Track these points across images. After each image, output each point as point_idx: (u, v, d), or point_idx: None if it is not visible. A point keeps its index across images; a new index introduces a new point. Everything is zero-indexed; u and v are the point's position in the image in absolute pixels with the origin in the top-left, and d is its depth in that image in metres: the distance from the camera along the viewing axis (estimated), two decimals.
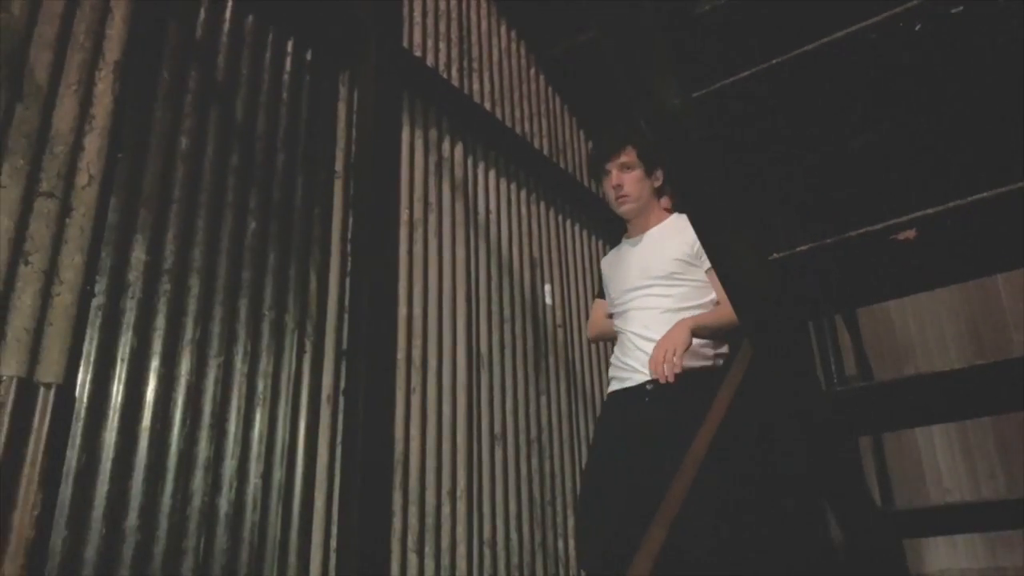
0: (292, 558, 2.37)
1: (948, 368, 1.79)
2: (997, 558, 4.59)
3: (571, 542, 3.69)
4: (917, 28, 1.35)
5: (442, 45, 3.83)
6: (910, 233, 1.57)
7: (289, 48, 2.96)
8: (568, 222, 4.59)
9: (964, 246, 1.63)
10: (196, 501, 2.18)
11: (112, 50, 2.29)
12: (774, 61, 1.53)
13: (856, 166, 1.86)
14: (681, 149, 1.62)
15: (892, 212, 1.64)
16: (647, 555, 1.26)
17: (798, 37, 1.52)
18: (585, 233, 4.73)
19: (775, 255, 1.73)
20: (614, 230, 4.99)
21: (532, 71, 4.66)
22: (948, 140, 1.75)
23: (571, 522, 3.74)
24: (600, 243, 4.84)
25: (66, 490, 1.92)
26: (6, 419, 1.82)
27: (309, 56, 3.04)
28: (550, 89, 4.80)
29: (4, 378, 1.84)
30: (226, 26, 2.70)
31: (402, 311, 3.11)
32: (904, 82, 1.56)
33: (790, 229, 2.10)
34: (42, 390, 1.92)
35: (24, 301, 1.93)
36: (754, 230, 1.74)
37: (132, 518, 2.03)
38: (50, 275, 2.00)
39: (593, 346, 4.42)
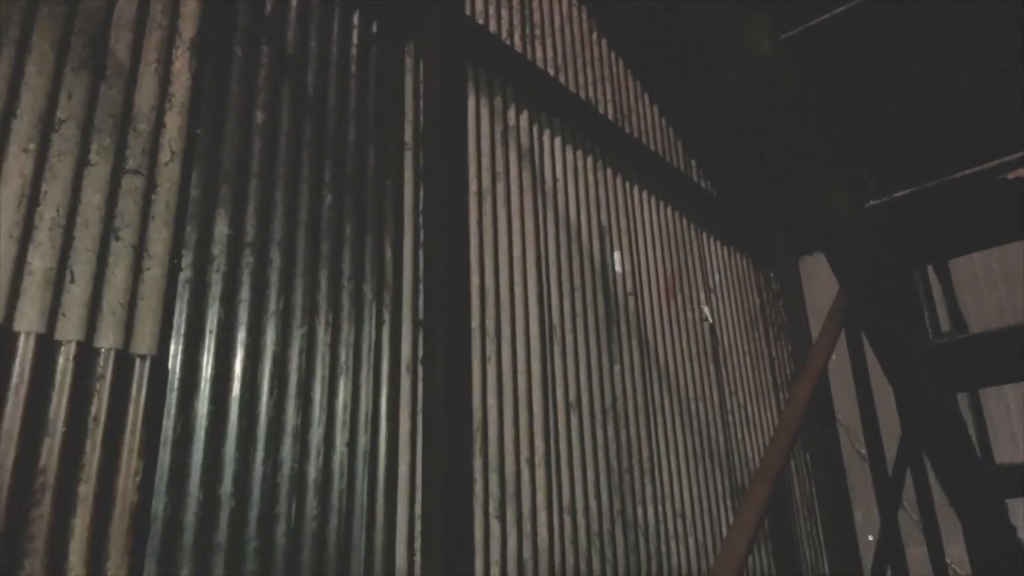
0: (379, 523, 2.40)
1: None
2: None
3: (649, 509, 3.67)
4: None
5: (504, 12, 3.79)
6: (1022, 171, 1.48)
7: (355, 21, 2.96)
8: (636, 188, 4.52)
9: None
10: (286, 468, 2.22)
11: (187, 28, 2.33)
12: None
13: (958, 107, 1.77)
14: (772, 93, 1.55)
15: (992, 155, 1.55)
16: (752, 509, 1.23)
17: None
18: (653, 199, 4.65)
19: (872, 202, 1.66)
20: (683, 195, 4.90)
21: (594, 35, 4.58)
22: None
23: (648, 490, 3.71)
24: (669, 209, 4.76)
25: (164, 458, 1.97)
26: (106, 390, 1.88)
27: (375, 28, 3.04)
28: (613, 54, 4.72)
29: (103, 350, 1.90)
30: (294, 1, 2.72)
31: (474, 281, 3.11)
32: (1012, 9, 1.46)
33: (882, 178, 2.01)
34: (138, 362, 1.97)
35: (117, 275, 1.98)
36: (848, 176, 1.66)
37: (227, 484, 2.08)
38: (140, 250, 2.05)
39: (664, 314, 4.36)
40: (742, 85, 1.59)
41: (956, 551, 4.74)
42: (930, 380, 1.77)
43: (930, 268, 2.86)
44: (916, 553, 4.89)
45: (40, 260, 1.84)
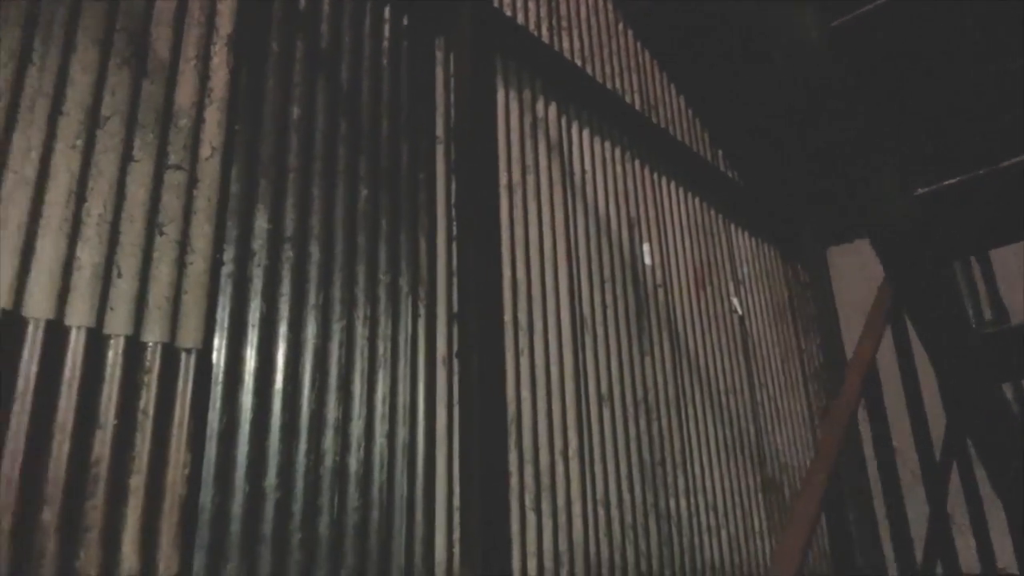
0: (419, 515, 2.42)
1: None
2: None
3: (682, 502, 3.66)
4: None
5: (531, 4, 3.78)
6: None
7: (387, 15, 2.97)
8: (664, 179, 4.50)
9: None
10: (328, 460, 2.24)
11: (224, 24, 2.34)
12: None
13: (1004, 93, 1.74)
14: (820, 82, 1.54)
15: None
16: (811, 498, 1.22)
17: None
18: (681, 190, 4.63)
19: (921, 190, 1.64)
20: (710, 186, 4.88)
21: (620, 26, 4.56)
22: None
23: (681, 483, 3.71)
24: (697, 200, 4.74)
25: (211, 450, 2.00)
26: (154, 383, 1.91)
27: (406, 22, 3.04)
28: (639, 44, 4.70)
29: (150, 344, 1.92)
30: None
31: (506, 274, 3.11)
32: None
33: (929, 167, 1.99)
34: (183, 355, 1.99)
35: (162, 270, 2.00)
36: (898, 164, 1.65)
37: (271, 476, 2.10)
38: (183, 245, 2.07)
39: (694, 306, 4.34)
40: (789, 74, 1.58)
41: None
42: (978, 369, 1.76)
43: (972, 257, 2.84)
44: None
45: (88, 255, 1.86)
